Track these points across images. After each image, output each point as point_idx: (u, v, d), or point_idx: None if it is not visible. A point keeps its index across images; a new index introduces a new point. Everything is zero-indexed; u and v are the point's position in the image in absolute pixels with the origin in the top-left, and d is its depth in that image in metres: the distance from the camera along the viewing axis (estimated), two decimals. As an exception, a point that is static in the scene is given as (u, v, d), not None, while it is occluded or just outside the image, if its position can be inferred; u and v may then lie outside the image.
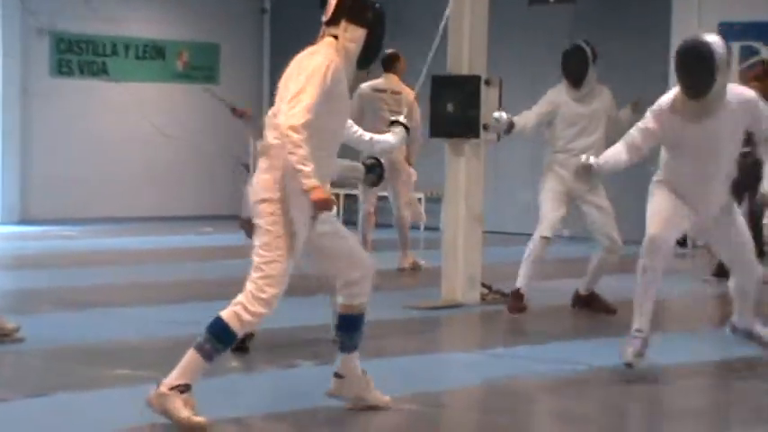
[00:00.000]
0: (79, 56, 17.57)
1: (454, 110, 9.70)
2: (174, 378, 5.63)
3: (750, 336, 7.67)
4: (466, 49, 9.73)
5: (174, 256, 13.26)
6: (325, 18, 5.87)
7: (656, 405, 6.69)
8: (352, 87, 5.89)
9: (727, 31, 14.80)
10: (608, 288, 9.50)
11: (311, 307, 8.47)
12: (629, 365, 7.02)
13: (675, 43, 15.38)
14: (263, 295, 5.63)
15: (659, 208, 7.12)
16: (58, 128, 17.26)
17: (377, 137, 6.57)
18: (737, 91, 7.06)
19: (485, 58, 9.90)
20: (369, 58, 5.94)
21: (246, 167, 7.82)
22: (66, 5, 16.80)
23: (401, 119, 6.63)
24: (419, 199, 14.87)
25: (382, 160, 6.83)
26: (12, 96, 16.82)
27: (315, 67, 5.65)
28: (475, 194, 9.91)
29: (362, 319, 6.05)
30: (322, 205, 5.58)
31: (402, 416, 6.14)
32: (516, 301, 9.28)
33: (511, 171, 16.06)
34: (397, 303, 9.50)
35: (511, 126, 9.30)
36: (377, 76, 11.82)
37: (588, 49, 9.39)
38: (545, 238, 9.27)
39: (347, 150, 6.29)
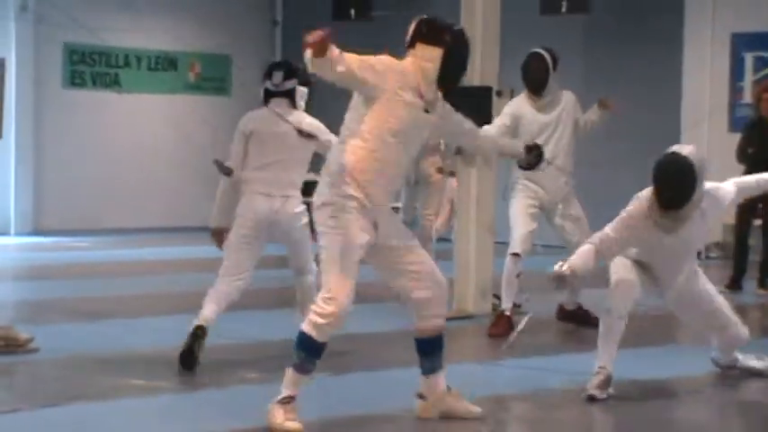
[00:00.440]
0: (92, 67, 17.64)
1: (466, 121, 9.67)
2: (281, 393, 5.88)
3: (734, 368, 7.58)
4: (477, 59, 9.74)
5: (186, 267, 13.28)
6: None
7: (667, 418, 6.69)
8: (433, 105, 6.06)
9: (740, 41, 14.82)
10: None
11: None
12: (591, 398, 6.83)
13: (688, 53, 15.54)
14: (331, 295, 5.78)
15: (622, 262, 7.02)
16: (70, 139, 17.32)
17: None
18: (711, 193, 6.88)
19: (496, 68, 9.91)
20: (450, 78, 6.02)
21: (221, 166, 7.77)
22: (79, 17, 16.85)
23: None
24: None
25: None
26: (25, 108, 16.88)
27: (383, 61, 5.88)
28: (486, 205, 9.91)
29: (440, 341, 6.15)
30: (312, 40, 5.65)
31: (414, 427, 6.14)
32: (498, 325, 8.94)
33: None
34: (410, 314, 9.47)
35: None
36: None
37: (548, 56, 9.12)
38: (515, 254, 9.03)
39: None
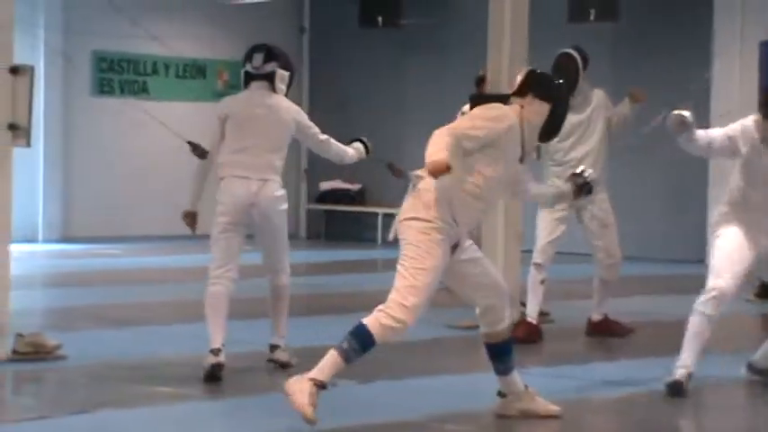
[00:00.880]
0: (120, 75, 17.70)
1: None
2: (313, 373, 5.82)
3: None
4: (505, 67, 9.71)
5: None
6: (511, 90, 6.33)
7: (699, 425, 6.64)
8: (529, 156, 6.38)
9: (768, 49, 14.71)
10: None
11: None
12: (670, 386, 6.92)
13: (716, 62, 15.45)
14: (407, 303, 5.85)
15: (726, 252, 7.04)
16: (99, 146, 17.37)
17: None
18: None
19: (524, 76, 9.85)
20: (551, 131, 6.30)
21: (196, 148, 7.79)
22: (108, 25, 16.91)
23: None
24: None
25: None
26: (54, 115, 16.95)
27: (495, 113, 6.12)
28: (514, 212, 9.87)
29: (509, 344, 6.33)
30: (433, 167, 5.69)
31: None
32: (523, 329, 8.90)
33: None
34: (440, 322, 9.46)
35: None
36: None
37: (578, 56, 9.15)
38: (537, 264, 9.12)
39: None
